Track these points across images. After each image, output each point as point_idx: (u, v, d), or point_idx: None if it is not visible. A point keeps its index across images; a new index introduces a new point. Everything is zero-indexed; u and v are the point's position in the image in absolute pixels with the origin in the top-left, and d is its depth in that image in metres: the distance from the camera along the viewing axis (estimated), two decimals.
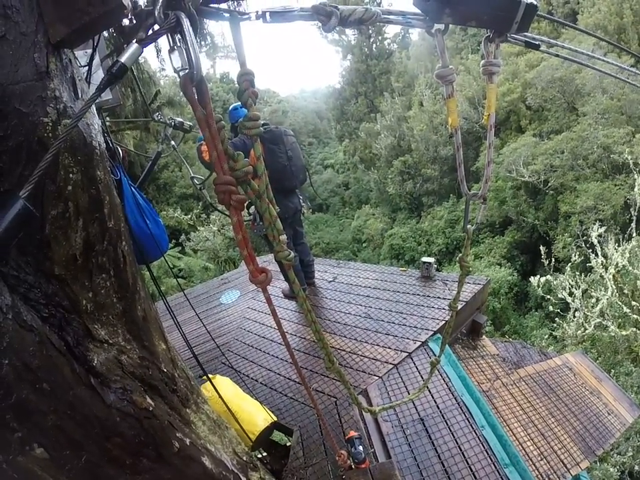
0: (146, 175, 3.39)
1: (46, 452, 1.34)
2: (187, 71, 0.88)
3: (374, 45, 31.69)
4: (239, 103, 4.70)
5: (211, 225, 20.56)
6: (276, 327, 4.82)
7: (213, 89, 42.42)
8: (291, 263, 1.19)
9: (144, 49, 0.95)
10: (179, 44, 0.90)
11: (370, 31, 30.52)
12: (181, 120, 3.51)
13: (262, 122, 3.97)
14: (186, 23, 0.87)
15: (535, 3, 1.25)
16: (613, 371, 9.43)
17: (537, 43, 1.61)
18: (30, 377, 1.22)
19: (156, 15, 0.89)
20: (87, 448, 1.46)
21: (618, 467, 8.37)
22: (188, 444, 1.80)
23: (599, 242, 11.84)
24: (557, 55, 2.15)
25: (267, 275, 1.13)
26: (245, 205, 4.56)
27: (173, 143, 3.47)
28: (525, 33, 1.47)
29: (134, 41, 0.97)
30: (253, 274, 1.11)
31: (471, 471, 3.12)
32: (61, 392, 1.34)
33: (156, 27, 0.93)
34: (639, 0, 20.29)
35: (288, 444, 3.68)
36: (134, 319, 1.64)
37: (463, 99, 22.02)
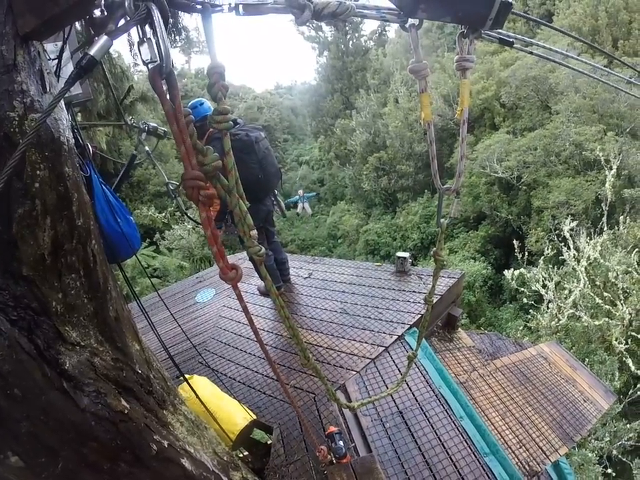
0: (121, 178, 3.33)
1: (21, 460, 1.31)
2: (156, 63, 0.86)
3: (350, 42, 31.70)
4: (200, 100, 4.60)
5: (186, 223, 20.31)
6: (260, 329, 4.78)
7: (187, 85, 41.93)
8: (261, 259, 1.18)
9: (114, 41, 0.92)
10: (149, 36, 0.87)
11: (347, 28, 30.55)
12: (155, 125, 3.45)
13: (232, 118, 3.89)
14: (156, 14, 0.85)
15: (510, 0, 1.26)
16: (587, 359, 9.64)
17: (510, 40, 1.63)
18: (0, 382, 1.18)
19: (126, 6, 0.87)
20: (63, 454, 1.43)
21: (596, 452, 8.59)
22: (166, 446, 1.77)
23: (571, 236, 12.10)
24: (532, 53, 2.18)
25: (237, 272, 1.11)
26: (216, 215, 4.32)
27: (147, 148, 3.41)
28: (500, 30, 1.48)
29: (103, 33, 0.94)
30: (223, 270, 1.10)
31: (452, 461, 3.18)
32: (33, 397, 1.31)
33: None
34: (614, 3, 20.73)
35: (269, 442, 3.67)
36: (106, 320, 1.60)
37: (438, 96, 22.16)
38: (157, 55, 0.85)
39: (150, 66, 0.86)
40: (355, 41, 31.91)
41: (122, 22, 0.94)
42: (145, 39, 0.87)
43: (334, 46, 31.41)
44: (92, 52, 0.88)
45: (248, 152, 4.45)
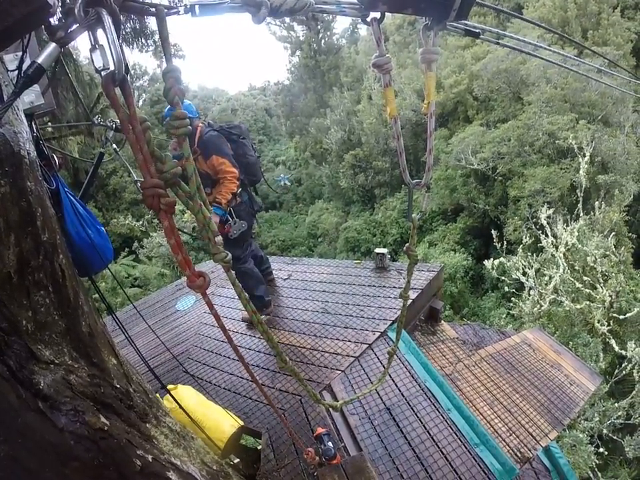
0: (91, 177, 3.28)
1: None
2: (108, 70, 0.83)
3: (322, 41, 31.62)
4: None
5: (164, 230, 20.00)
6: (234, 331, 4.71)
7: (160, 90, 41.40)
8: (228, 265, 1.15)
9: (62, 48, 0.89)
10: (100, 42, 0.84)
11: (318, 27, 30.50)
12: None
13: (209, 121, 3.82)
14: (107, 20, 0.81)
15: None
16: (571, 343, 9.82)
17: (477, 31, 1.62)
18: None
19: (76, 12, 0.83)
20: (44, 476, 1.40)
21: (587, 432, 8.79)
22: (150, 460, 1.74)
23: (548, 223, 12.30)
24: (498, 44, 2.18)
25: (205, 279, 1.09)
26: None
27: (114, 146, 3.35)
28: (465, 21, 1.47)
29: (52, 40, 0.90)
30: (190, 279, 1.07)
31: (442, 454, 3.20)
32: (9, 420, 1.28)
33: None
34: None
35: (259, 447, 3.64)
36: (79, 336, 1.56)
37: (411, 92, 22.26)
38: (109, 62, 0.82)
39: (103, 73, 0.83)
40: (327, 39, 31.87)
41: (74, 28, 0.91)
42: (96, 46, 0.84)
43: (306, 45, 31.32)
44: (39, 60, 0.85)
45: (245, 137, 4.69)
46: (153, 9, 0.90)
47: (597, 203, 13.02)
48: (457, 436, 3.32)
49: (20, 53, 1.73)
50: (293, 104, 33.30)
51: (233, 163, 4.33)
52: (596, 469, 8.39)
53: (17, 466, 1.32)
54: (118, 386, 1.70)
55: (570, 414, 4.21)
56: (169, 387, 3.21)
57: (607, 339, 10.35)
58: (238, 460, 3.60)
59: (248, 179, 4.79)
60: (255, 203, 4.93)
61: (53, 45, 0.86)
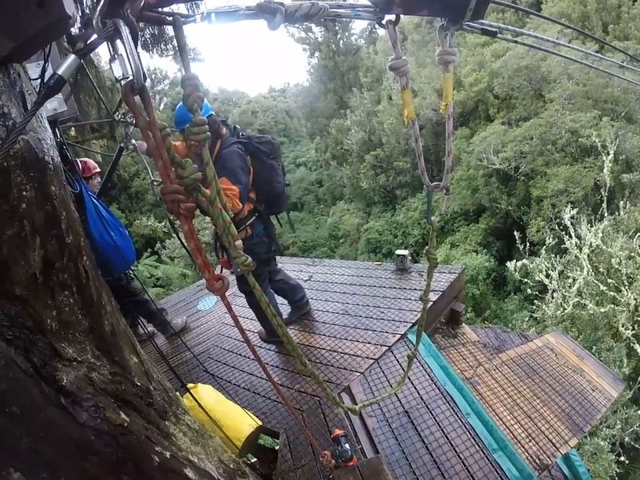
0: (110, 170, 3.36)
1: (23, 476, 1.31)
2: (128, 79, 0.86)
3: (341, 41, 31.72)
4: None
5: None
6: (254, 331, 4.72)
7: (181, 93, 41.92)
8: (249, 268, 1.17)
9: (82, 59, 0.92)
10: (120, 52, 0.87)
11: (336, 28, 30.57)
12: None
13: (236, 126, 3.43)
14: (125, 31, 0.84)
15: None
16: (594, 347, 9.63)
17: (494, 30, 1.61)
18: None
19: (94, 24, 0.86)
20: (64, 469, 1.43)
21: (608, 440, 8.59)
22: (168, 457, 1.77)
23: (571, 223, 12.07)
24: (520, 43, 2.16)
25: (224, 282, 1.11)
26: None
27: (133, 141, 3.41)
28: (482, 20, 1.46)
29: (72, 51, 0.94)
30: (210, 282, 1.09)
31: (460, 459, 3.16)
32: (31, 414, 1.31)
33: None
34: None
35: (276, 447, 3.66)
36: (102, 335, 1.60)
37: (432, 91, 22.13)
38: (129, 71, 0.85)
39: (122, 82, 0.86)
40: (345, 40, 31.94)
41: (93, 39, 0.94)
42: (115, 56, 0.87)
43: (325, 46, 31.42)
44: (60, 71, 0.88)
45: (275, 157, 3.95)
46: (170, 19, 0.93)
47: (621, 202, 12.73)
48: (475, 441, 3.28)
49: (42, 62, 1.79)
50: (312, 105, 33.44)
51: (238, 182, 3.50)
52: (617, 478, 8.21)
53: (38, 458, 1.35)
54: (139, 384, 1.74)
55: (591, 421, 4.12)
56: (189, 385, 3.26)
57: (632, 344, 10.10)
58: (255, 459, 3.63)
59: (274, 210, 4.16)
60: (272, 239, 4.17)
61: (72, 57, 0.90)
